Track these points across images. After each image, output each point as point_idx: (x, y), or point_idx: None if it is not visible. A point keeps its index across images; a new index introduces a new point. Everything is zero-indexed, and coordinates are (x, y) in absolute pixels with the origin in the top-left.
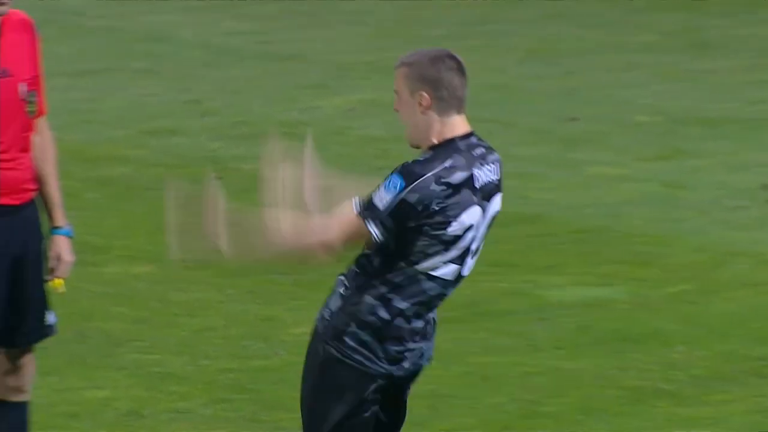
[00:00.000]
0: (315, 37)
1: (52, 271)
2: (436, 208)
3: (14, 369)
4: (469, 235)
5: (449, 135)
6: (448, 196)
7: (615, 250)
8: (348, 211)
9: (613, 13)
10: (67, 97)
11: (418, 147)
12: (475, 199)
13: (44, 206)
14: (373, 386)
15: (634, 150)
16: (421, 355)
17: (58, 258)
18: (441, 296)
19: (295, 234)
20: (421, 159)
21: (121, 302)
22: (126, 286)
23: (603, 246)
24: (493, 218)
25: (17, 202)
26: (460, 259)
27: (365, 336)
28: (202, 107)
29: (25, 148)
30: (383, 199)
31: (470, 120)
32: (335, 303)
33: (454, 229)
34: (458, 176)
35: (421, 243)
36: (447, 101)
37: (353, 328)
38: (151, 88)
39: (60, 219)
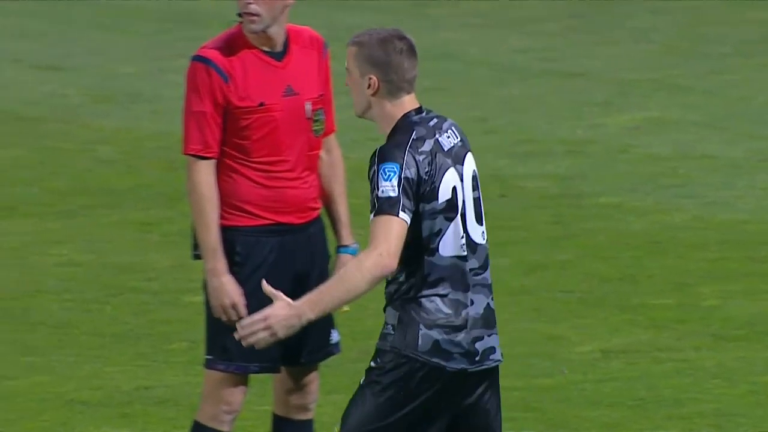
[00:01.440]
0: (599, 54)
1: None
2: (425, 177)
3: (299, 387)
4: (458, 198)
5: (401, 113)
6: (429, 163)
7: None
8: (375, 220)
9: None
10: (353, 114)
11: (362, 117)
12: (449, 161)
13: (331, 224)
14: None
15: None
16: (493, 350)
17: None
18: (468, 271)
19: (356, 265)
20: (390, 142)
21: None
22: None
23: None
24: (476, 179)
25: (301, 221)
26: (463, 226)
27: (437, 335)
28: (488, 125)
29: (311, 167)
30: (389, 187)
31: (756, 138)
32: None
33: (442, 194)
34: (428, 144)
35: (425, 224)
36: (396, 84)
37: (423, 330)
38: (439, 106)
39: (347, 238)
